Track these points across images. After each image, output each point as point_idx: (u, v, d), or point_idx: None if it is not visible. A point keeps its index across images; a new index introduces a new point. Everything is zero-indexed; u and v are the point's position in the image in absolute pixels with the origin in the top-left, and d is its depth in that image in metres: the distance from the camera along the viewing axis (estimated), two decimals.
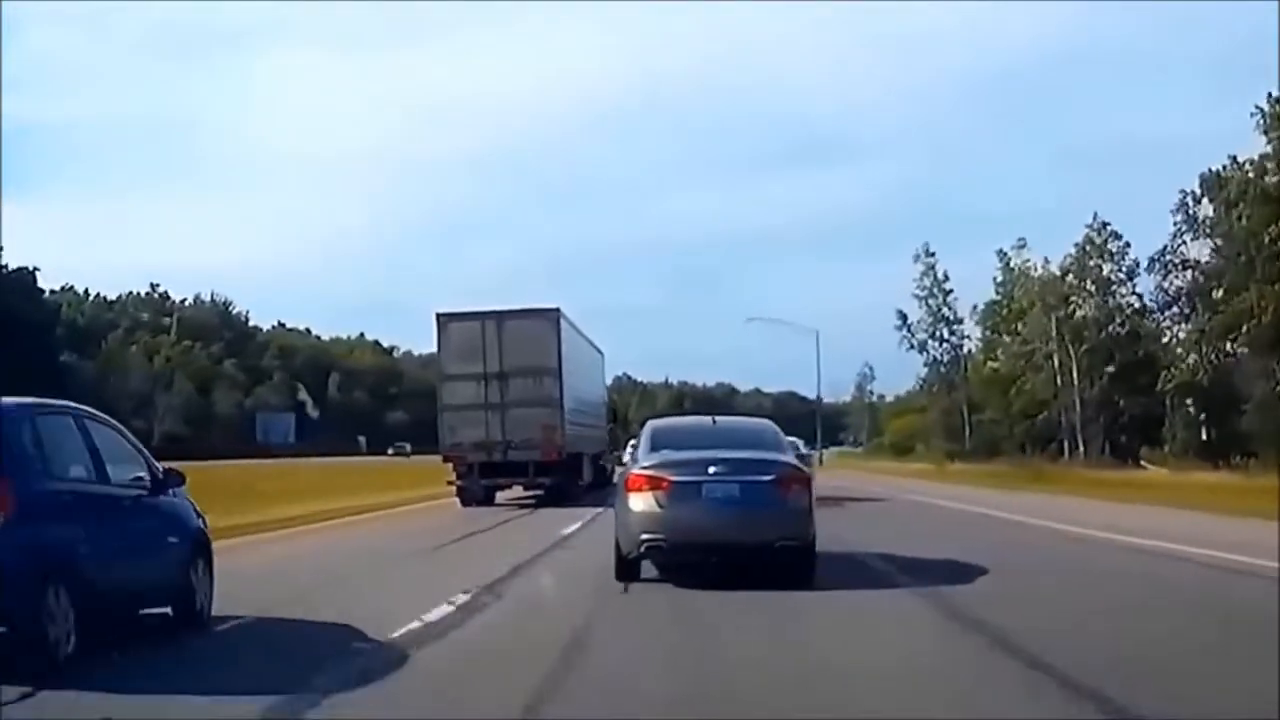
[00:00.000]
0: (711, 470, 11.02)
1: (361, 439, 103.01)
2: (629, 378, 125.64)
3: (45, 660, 6.69)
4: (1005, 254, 67.48)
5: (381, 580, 12.38)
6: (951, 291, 73.17)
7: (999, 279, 68.60)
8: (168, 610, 8.52)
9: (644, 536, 10.96)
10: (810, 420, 70.79)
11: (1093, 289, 62.02)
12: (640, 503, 11.03)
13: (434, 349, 27.02)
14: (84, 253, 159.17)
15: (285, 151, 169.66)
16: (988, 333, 71.58)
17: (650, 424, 13.05)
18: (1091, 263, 61.88)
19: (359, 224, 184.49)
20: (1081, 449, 58.85)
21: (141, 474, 8.38)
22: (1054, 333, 61.43)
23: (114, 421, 8.48)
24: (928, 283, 73.28)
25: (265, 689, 6.44)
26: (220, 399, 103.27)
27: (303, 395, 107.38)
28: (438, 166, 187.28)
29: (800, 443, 28.51)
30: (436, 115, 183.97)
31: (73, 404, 8.14)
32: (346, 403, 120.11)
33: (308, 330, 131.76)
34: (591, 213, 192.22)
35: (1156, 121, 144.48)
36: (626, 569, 11.33)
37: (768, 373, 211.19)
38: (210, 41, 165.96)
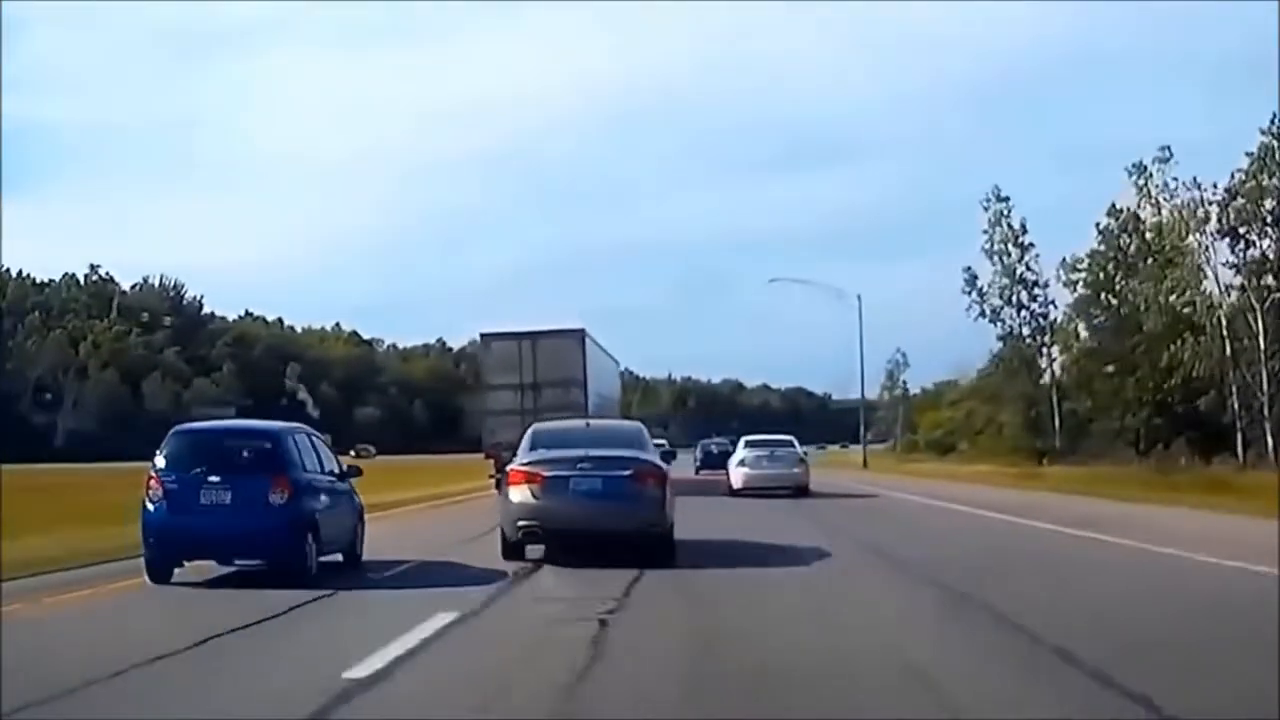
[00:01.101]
0: (579, 466, 14.79)
1: (326, 438, 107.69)
2: (631, 373, 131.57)
3: (304, 578, 13.17)
4: (1144, 168, 54.87)
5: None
6: (1033, 246, 64.58)
7: (1102, 224, 59.38)
8: (338, 556, 15.03)
9: (521, 523, 14.74)
10: (819, 418, 72.61)
11: (1270, 219, 50.64)
12: (518, 494, 14.82)
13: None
14: (82, 253, 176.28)
15: (285, 152, 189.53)
16: (1085, 293, 62.10)
17: (532, 426, 17.12)
18: (1271, 181, 50.04)
19: (359, 224, 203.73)
20: (1270, 446, 48.39)
21: (334, 468, 15.13)
22: (1218, 281, 50.92)
23: (321, 435, 15.46)
24: (999, 235, 65.07)
25: (456, 583, 12.96)
26: (153, 392, 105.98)
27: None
28: (440, 167, 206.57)
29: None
30: (439, 117, 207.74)
31: (304, 425, 15.25)
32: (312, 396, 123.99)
33: (279, 321, 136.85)
34: (593, 213, 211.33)
35: (1156, 122, 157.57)
36: (511, 550, 15.05)
37: (776, 369, 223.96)
38: (210, 42, 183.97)
